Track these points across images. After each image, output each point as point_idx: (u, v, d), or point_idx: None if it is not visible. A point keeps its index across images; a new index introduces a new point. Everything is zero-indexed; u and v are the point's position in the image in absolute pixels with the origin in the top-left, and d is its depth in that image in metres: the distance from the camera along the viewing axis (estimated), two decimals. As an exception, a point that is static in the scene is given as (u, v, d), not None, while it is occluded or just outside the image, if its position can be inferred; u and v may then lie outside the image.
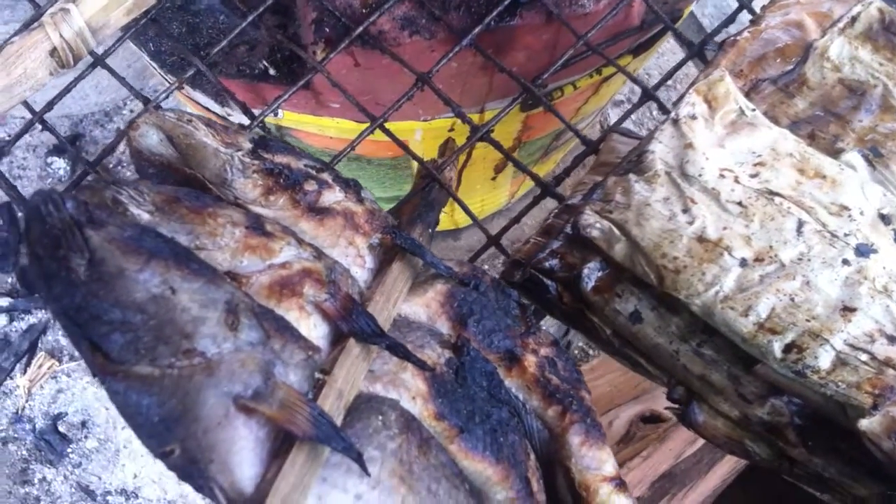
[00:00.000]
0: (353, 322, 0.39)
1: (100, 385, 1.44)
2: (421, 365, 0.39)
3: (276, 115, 0.59)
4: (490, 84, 0.65)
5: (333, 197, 0.44)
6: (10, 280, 1.56)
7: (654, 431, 1.26)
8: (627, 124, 0.56)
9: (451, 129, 0.73)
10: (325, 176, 0.45)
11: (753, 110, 0.47)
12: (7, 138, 1.62)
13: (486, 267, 1.21)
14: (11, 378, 1.48)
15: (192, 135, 0.43)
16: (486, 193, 1.04)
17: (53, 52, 0.52)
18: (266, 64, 0.63)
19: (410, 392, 0.39)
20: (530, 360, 0.44)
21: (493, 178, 0.96)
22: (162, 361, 0.33)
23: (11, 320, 1.52)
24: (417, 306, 0.44)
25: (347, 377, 0.37)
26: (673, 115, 0.46)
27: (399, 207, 0.53)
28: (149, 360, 0.33)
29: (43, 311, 1.53)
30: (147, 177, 0.45)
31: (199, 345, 0.33)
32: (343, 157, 0.54)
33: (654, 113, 1.81)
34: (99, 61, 0.57)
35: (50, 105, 0.56)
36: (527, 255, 0.49)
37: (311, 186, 0.44)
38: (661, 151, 0.46)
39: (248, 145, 0.44)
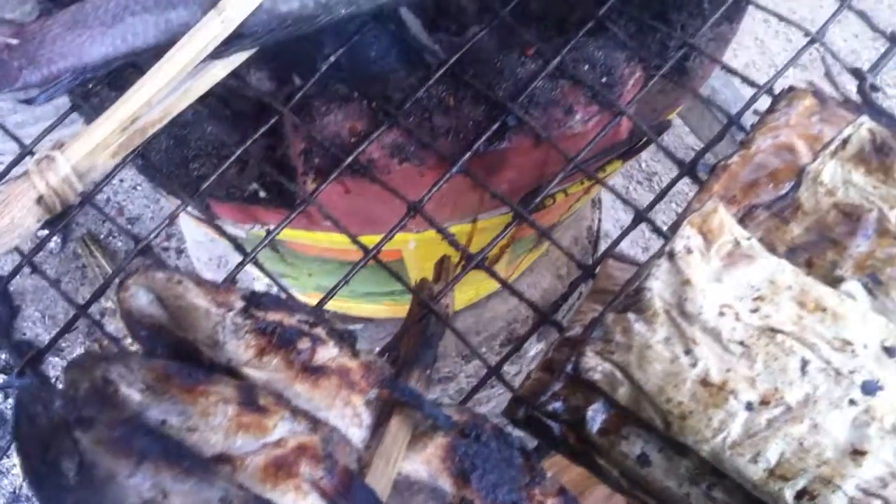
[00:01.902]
0: (350, 499, 0.38)
1: None
2: (425, 540, 0.38)
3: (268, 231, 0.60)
4: (481, 200, 0.65)
5: (328, 353, 0.43)
6: (2, 356, 1.54)
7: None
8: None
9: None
10: (319, 331, 0.44)
11: (749, 239, 0.47)
12: None
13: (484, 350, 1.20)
14: (8, 457, 1.45)
15: (182, 296, 0.42)
16: (482, 282, 1.03)
17: (40, 199, 0.52)
18: (257, 186, 0.63)
19: (416, 570, 0.38)
20: (537, 514, 0.43)
21: (489, 270, 0.95)
22: (156, 571, 0.32)
23: (6, 397, 1.50)
24: (418, 463, 0.43)
25: (349, 562, 0.36)
26: (668, 249, 0.46)
27: (398, 338, 0.52)
28: (142, 570, 0.32)
29: (39, 389, 1.51)
30: (138, 337, 0.44)
31: (193, 552, 0.32)
32: (340, 289, 0.53)
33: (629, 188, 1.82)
34: (87, 201, 0.56)
35: (38, 248, 0.56)
36: (529, 391, 0.48)
37: (304, 344, 0.43)
38: (658, 289, 0.45)
39: (239, 304, 0.43)
